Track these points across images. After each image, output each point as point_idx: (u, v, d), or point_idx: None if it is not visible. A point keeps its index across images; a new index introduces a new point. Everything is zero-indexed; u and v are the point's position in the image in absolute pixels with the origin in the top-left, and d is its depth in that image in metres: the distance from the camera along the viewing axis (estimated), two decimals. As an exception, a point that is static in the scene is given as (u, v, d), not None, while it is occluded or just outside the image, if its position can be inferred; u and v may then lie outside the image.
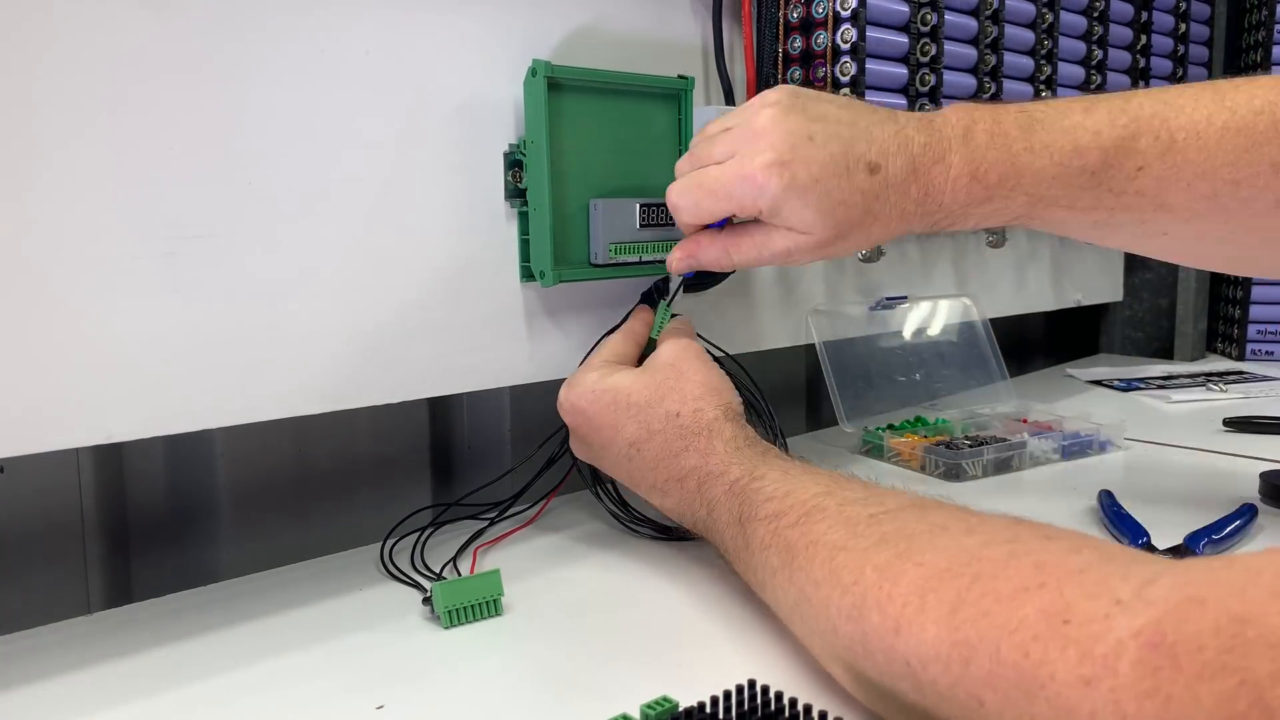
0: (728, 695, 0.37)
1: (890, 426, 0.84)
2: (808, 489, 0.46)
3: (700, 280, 0.72)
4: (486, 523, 0.64)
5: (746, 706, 0.37)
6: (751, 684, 0.37)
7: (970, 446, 0.77)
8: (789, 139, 0.53)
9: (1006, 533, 0.36)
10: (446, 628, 0.50)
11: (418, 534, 0.62)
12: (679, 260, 0.60)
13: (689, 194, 0.56)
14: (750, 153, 0.53)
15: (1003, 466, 0.77)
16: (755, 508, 0.47)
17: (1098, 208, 0.54)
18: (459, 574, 0.56)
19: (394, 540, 0.61)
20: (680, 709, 0.37)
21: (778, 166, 0.52)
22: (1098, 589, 0.30)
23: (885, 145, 0.54)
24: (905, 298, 0.91)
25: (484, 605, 0.51)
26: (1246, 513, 0.63)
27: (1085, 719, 0.28)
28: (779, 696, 0.37)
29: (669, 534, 0.63)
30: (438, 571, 0.57)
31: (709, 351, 0.61)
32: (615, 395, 0.57)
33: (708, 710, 0.37)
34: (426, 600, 0.51)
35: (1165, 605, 0.28)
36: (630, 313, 0.66)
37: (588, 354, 0.64)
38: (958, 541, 0.37)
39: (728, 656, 0.47)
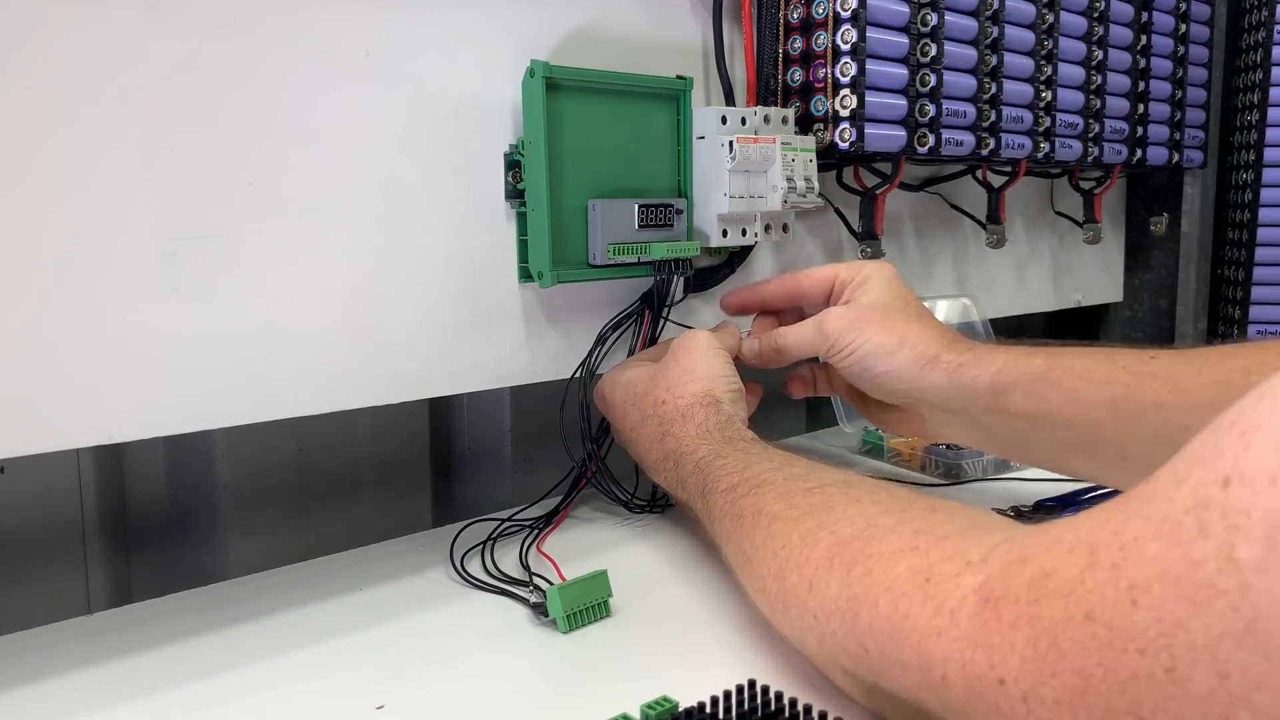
0: (728, 695, 0.37)
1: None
2: (762, 465, 0.50)
3: (700, 279, 0.72)
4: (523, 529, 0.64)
5: (746, 706, 0.37)
6: (751, 684, 0.37)
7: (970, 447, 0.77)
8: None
9: (903, 503, 0.41)
10: (565, 632, 0.49)
11: (486, 541, 0.62)
12: (749, 348, 0.67)
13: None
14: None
15: (1002, 467, 0.77)
16: (716, 481, 0.52)
17: (1112, 381, 0.55)
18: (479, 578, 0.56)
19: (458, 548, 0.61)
20: (680, 709, 0.37)
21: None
22: (955, 552, 0.34)
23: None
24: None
25: (597, 607, 0.51)
26: None
27: (939, 664, 0.32)
28: (779, 696, 0.37)
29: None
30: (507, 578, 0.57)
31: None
32: (627, 386, 0.62)
33: (708, 710, 0.37)
34: (537, 605, 0.51)
35: (999, 564, 0.32)
36: (647, 292, 0.69)
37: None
38: (864, 511, 0.41)
39: (728, 656, 0.47)
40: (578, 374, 0.66)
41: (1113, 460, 0.56)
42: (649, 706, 0.38)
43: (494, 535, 0.62)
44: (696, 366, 0.59)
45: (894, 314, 0.62)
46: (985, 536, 0.35)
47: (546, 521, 0.65)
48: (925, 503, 0.41)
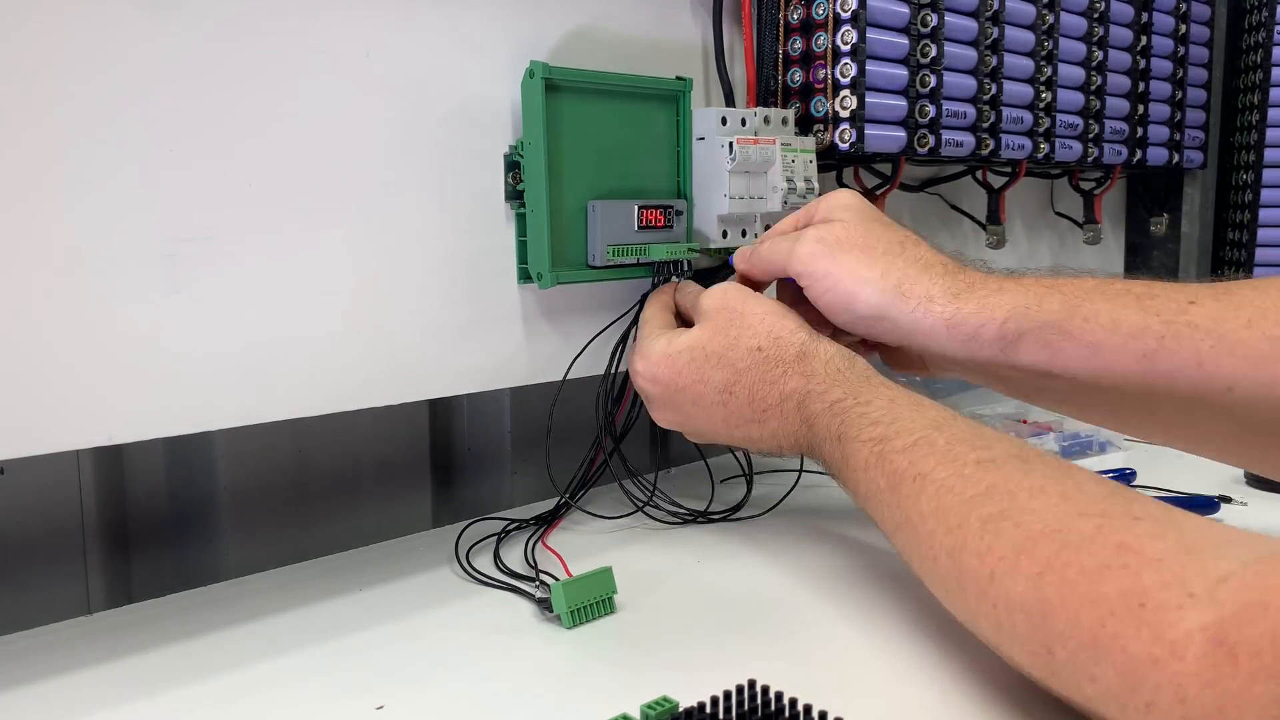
0: (728, 695, 0.37)
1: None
2: (916, 420, 0.47)
3: (701, 279, 0.72)
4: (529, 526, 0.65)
5: (746, 706, 0.37)
6: (751, 684, 0.37)
7: (970, 447, 0.77)
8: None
9: (1098, 505, 0.38)
10: (569, 628, 0.49)
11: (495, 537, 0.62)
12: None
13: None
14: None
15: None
16: (858, 429, 0.48)
17: (1145, 332, 0.48)
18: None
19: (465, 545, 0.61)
20: (680, 709, 0.37)
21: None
22: (1173, 580, 0.32)
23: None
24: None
25: (601, 604, 0.51)
26: (1202, 504, 0.65)
27: (1150, 691, 0.31)
28: (779, 696, 0.37)
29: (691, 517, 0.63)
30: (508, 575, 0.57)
31: None
32: (692, 352, 0.57)
33: (708, 710, 0.37)
34: (542, 601, 0.51)
35: (1232, 605, 0.30)
36: (648, 294, 0.67)
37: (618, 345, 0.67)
38: (1053, 506, 0.39)
39: (728, 656, 0.47)
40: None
41: (1140, 417, 0.51)
42: (649, 706, 0.38)
43: (503, 533, 0.62)
44: (771, 306, 0.57)
45: (876, 240, 0.55)
46: (1206, 563, 0.32)
47: (553, 516, 0.65)
48: (1123, 506, 0.37)
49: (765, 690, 0.37)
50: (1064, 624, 0.35)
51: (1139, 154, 1.03)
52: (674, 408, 0.59)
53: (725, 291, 0.59)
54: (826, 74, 0.74)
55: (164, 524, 0.63)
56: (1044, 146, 0.90)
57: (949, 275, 0.54)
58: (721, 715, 0.37)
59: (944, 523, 0.41)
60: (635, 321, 0.66)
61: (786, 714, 0.37)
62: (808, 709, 0.36)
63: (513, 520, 0.65)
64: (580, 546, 0.62)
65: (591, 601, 0.50)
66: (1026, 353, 0.51)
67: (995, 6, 0.83)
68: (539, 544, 0.61)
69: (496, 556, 0.59)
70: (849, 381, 0.51)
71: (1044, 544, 0.37)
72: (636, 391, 0.62)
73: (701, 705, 0.37)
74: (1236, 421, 0.48)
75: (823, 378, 0.52)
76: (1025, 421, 0.87)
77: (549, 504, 0.68)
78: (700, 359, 0.57)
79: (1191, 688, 0.30)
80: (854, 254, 0.55)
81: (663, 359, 0.59)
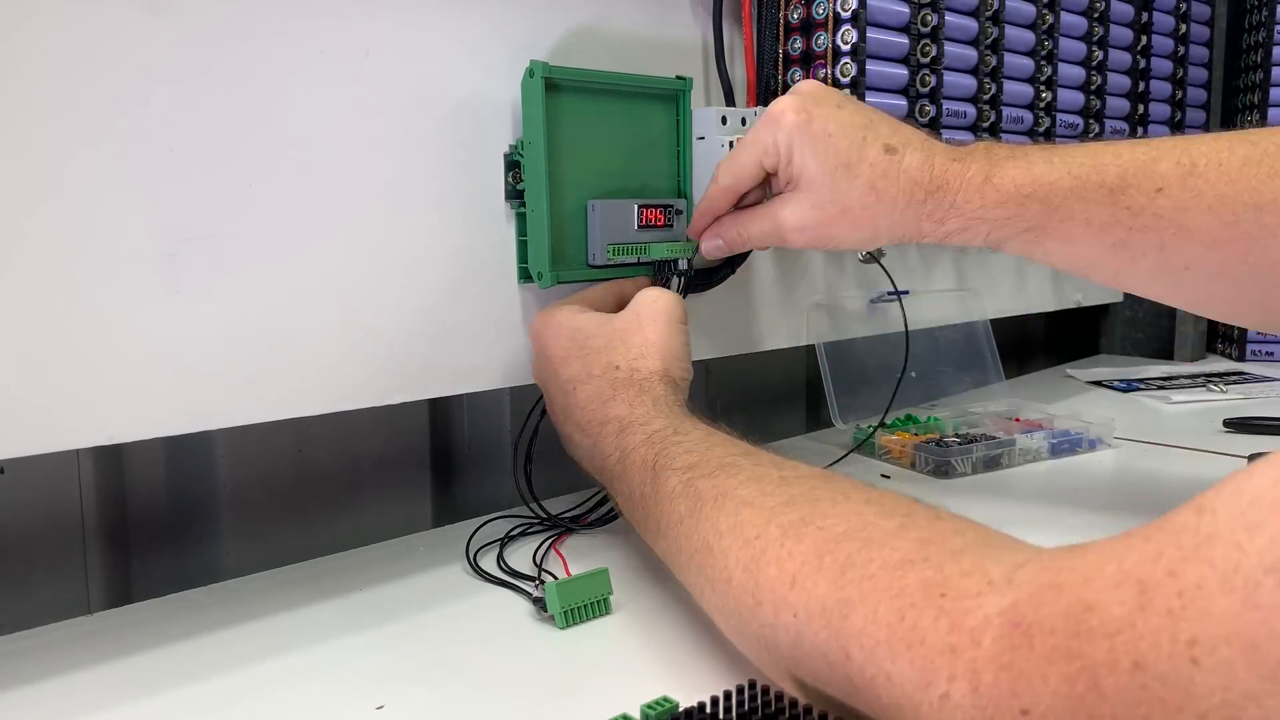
0: (728, 695, 0.37)
1: (882, 424, 0.84)
2: (726, 448, 0.48)
3: (700, 280, 0.72)
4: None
5: (746, 707, 0.37)
6: (751, 684, 0.37)
7: (960, 444, 0.77)
8: (816, 98, 0.58)
9: (903, 507, 0.39)
10: (562, 628, 0.49)
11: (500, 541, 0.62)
12: (708, 245, 0.64)
13: (728, 157, 0.61)
14: (779, 101, 0.58)
15: (992, 464, 0.77)
16: (671, 458, 0.49)
17: (1115, 225, 0.53)
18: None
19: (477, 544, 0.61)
20: (680, 709, 0.37)
21: (797, 109, 0.57)
22: (973, 569, 0.32)
23: (907, 136, 0.57)
24: (907, 291, 0.91)
25: (597, 604, 0.51)
26: None
27: (944, 681, 0.30)
28: (779, 696, 0.37)
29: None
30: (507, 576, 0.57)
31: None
32: (574, 334, 0.59)
33: (708, 710, 0.37)
34: (538, 601, 0.51)
35: (1028, 588, 0.30)
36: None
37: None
38: (857, 508, 0.39)
39: (728, 656, 0.47)
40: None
41: (1107, 279, 0.58)
42: (649, 706, 0.38)
43: (507, 536, 0.62)
44: (662, 342, 0.57)
45: (851, 194, 0.56)
46: (1004, 554, 0.32)
47: (555, 521, 0.65)
48: (927, 509, 0.38)
49: (765, 690, 0.37)
50: (862, 621, 0.34)
51: (1139, 153, 1.03)
52: (540, 370, 0.61)
53: (654, 303, 0.59)
54: (827, 74, 0.74)
55: (164, 524, 0.63)
56: (1044, 146, 0.90)
57: (926, 193, 0.56)
58: (721, 715, 0.37)
59: (741, 535, 0.41)
60: None
61: (787, 714, 0.37)
62: (808, 709, 0.36)
63: (521, 521, 0.64)
64: (583, 548, 0.62)
65: (586, 602, 0.50)
66: (1011, 248, 0.57)
67: (995, 6, 0.83)
68: (550, 546, 0.61)
69: (500, 556, 0.59)
70: (671, 416, 0.53)
71: (846, 543, 0.37)
72: None
73: (701, 705, 0.37)
74: (1189, 291, 0.56)
75: (646, 409, 0.53)
76: (1018, 420, 0.87)
77: (553, 503, 0.67)
78: (575, 345, 0.58)
79: (986, 673, 0.29)
80: (838, 222, 0.58)
81: (553, 324, 0.60)
